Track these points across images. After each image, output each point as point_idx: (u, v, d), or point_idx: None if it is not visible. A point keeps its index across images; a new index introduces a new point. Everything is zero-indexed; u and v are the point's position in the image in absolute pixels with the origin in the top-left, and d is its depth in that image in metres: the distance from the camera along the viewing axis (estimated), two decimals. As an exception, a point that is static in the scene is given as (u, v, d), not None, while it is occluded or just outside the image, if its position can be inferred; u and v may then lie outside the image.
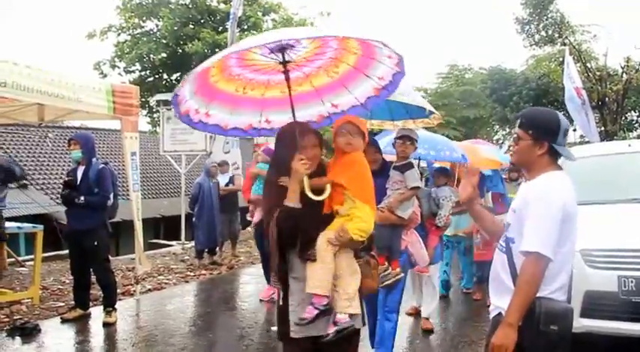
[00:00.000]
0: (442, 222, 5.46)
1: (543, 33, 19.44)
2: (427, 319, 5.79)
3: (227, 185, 9.92)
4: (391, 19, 76.31)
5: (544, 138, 2.44)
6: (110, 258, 6.38)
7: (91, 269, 6.02)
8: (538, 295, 2.29)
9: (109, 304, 5.99)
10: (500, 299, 2.44)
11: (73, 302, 6.20)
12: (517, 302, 2.28)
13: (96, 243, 5.77)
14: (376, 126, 5.20)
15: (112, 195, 5.87)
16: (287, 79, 2.88)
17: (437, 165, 6.68)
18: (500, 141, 31.71)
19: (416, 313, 6.13)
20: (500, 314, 2.42)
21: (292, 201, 2.64)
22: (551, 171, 2.45)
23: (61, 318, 5.97)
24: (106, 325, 5.82)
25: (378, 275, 3.19)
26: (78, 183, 5.79)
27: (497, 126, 29.76)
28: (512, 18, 19.83)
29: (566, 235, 2.34)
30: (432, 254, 5.19)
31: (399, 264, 4.18)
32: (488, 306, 2.62)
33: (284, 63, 2.83)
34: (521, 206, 2.42)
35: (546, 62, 20.79)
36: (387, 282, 4.04)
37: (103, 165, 5.84)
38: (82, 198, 5.66)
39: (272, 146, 4.11)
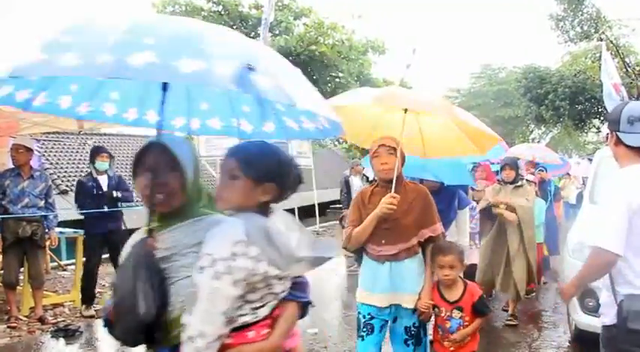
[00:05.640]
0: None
1: (578, 29, 19.13)
2: None
3: None
4: (424, 19, 75.80)
5: (612, 127, 2.47)
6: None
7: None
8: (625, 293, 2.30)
9: None
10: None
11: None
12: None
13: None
14: None
15: None
16: None
17: None
18: (537, 141, 31.26)
19: None
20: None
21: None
22: (631, 164, 2.42)
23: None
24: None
25: None
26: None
27: (533, 125, 29.32)
28: (545, 14, 19.56)
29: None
30: None
31: None
32: None
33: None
34: None
35: (582, 59, 20.42)
36: None
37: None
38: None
39: None
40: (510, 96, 27.11)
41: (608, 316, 2.37)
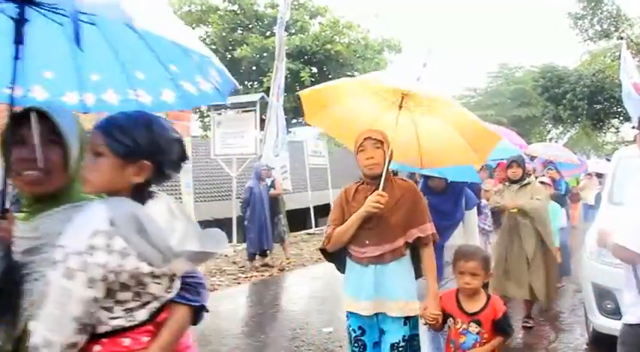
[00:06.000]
0: None
1: (598, 27, 18.94)
2: None
3: (268, 189, 9.98)
4: (440, 18, 75.57)
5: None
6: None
7: None
8: None
9: None
10: None
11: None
12: None
13: None
14: None
15: None
16: None
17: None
18: (554, 141, 30.97)
19: None
20: None
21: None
22: None
23: None
24: None
25: None
26: None
27: (550, 125, 29.02)
28: (564, 13, 19.37)
29: None
30: None
31: None
32: None
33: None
34: None
35: (601, 57, 20.23)
36: None
37: None
38: None
39: None
40: (527, 96, 26.89)
41: (634, 315, 2.38)
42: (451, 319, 2.96)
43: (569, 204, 8.82)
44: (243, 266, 9.58)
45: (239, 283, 8.44)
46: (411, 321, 2.94)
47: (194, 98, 2.14)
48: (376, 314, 2.95)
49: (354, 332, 3.02)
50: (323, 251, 3.13)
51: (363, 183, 3.08)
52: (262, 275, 8.96)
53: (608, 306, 4.44)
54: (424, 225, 2.95)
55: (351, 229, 2.92)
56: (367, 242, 2.92)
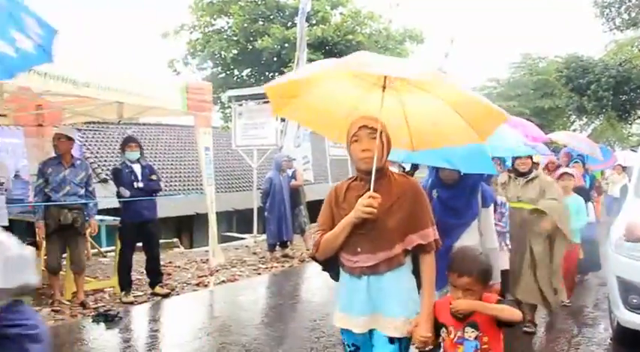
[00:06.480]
0: None
1: (625, 16, 18.55)
2: None
3: (289, 180, 9.99)
4: (463, 7, 74.62)
5: None
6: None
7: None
8: None
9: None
10: None
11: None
12: None
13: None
14: None
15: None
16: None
17: None
18: (578, 132, 30.49)
19: None
20: None
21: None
22: None
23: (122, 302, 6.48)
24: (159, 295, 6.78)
25: None
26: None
27: (574, 117, 28.59)
28: (589, 1, 19.02)
29: None
30: None
31: None
32: None
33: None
34: None
35: (628, 47, 19.82)
36: None
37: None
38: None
39: None
40: (551, 87, 26.49)
41: None
42: (444, 329, 2.56)
43: (594, 197, 8.64)
44: (263, 257, 9.62)
45: (259, 274, 8.48)
46: (401, 341, 2.51)
47: (14, 62, 1.66)
48: (370, 331, 2.57)
49: (349, 347, 2.69)
50: (315, 258, 2.72)
51: (356, 180, 2.66)
52: (282, 266, 8.99)
53: (634, 301, 4.37)
54: (426, 230, 2.51)
55: (341, 235, 2.52)
56: (359, 249, 2.51)
